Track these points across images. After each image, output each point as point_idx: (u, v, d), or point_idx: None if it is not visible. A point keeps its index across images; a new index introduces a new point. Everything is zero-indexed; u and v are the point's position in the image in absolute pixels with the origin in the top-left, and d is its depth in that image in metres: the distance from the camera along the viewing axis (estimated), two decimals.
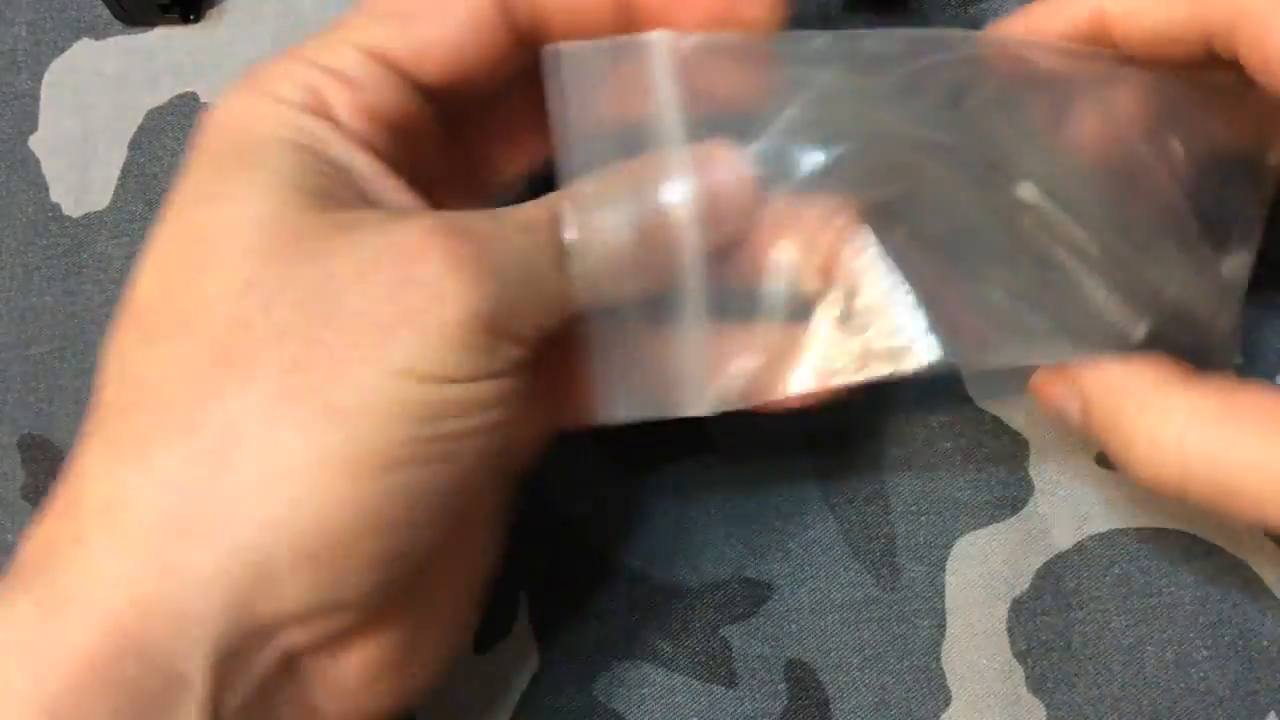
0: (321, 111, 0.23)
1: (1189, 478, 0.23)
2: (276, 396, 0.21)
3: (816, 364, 0.25)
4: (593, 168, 0.24)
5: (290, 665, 0.22)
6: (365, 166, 0.23)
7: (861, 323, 0.25)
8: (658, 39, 0.24)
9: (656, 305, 0.24)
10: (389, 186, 0.24)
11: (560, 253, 0.23)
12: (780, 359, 0.25)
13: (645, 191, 0.24)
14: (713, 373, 0.25)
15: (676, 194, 0.24)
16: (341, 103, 0.23)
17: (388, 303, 0.21)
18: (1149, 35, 0.24)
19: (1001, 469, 0.30)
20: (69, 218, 0.35)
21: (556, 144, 0.24)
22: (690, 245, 0.24)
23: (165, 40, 0.36)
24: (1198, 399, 0.24)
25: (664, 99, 0.24)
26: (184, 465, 0.20)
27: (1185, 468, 0.23)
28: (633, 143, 0.24)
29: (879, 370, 0.25)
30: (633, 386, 0.25)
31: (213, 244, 0.22)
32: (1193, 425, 0.23)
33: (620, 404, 0.25)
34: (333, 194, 0.23)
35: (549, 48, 0.24)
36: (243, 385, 0.21)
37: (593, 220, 0.23)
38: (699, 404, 0.25)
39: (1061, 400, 0.26)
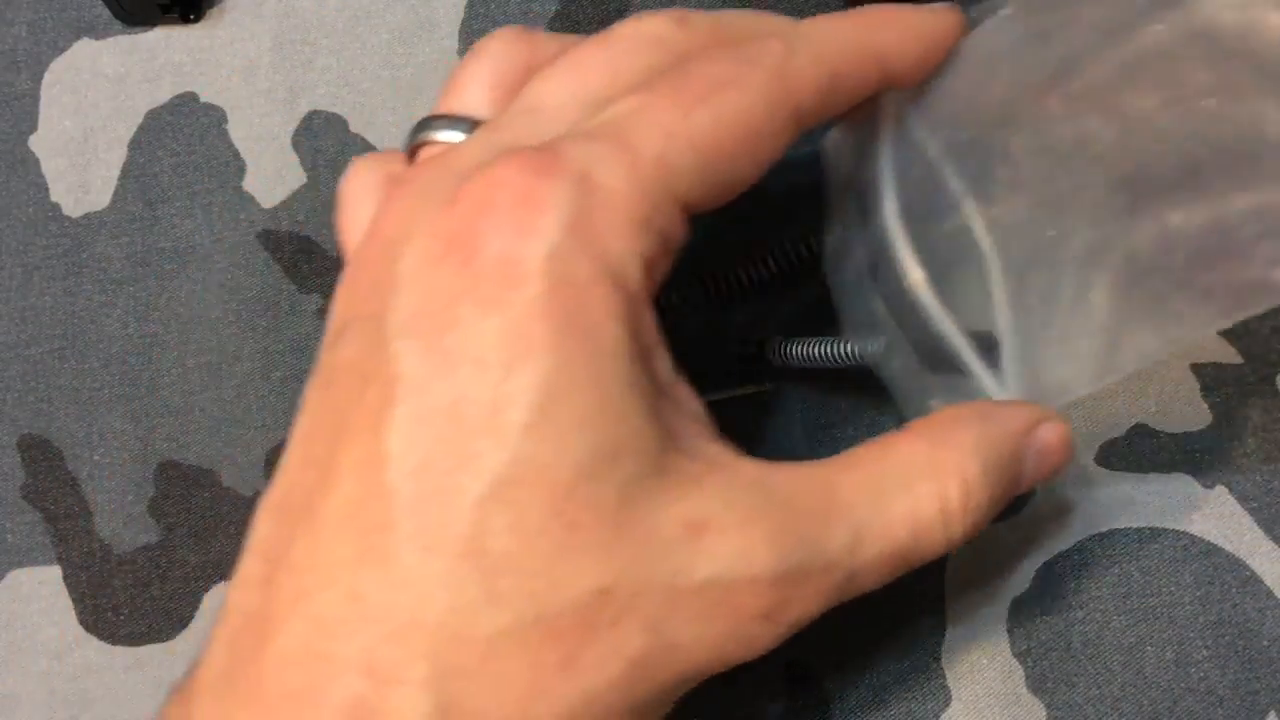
0: (649, 294, 0.22)
1: None
2: None
3: None
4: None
5: None
6: (665, 371, 0.22)
7: None
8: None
9: None
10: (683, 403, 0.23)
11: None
12: None
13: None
14: None
15: None
16: (659, 275, 0.22)
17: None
18: None
19: None
20: (69, 218, 0.35)
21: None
22: None
23: (165, 40, 0.36)
24: None
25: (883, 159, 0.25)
26: None
27: None
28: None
29: None
30: None
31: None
32: None
33: None
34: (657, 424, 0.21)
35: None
36: None
37: None
38: None
39: None
